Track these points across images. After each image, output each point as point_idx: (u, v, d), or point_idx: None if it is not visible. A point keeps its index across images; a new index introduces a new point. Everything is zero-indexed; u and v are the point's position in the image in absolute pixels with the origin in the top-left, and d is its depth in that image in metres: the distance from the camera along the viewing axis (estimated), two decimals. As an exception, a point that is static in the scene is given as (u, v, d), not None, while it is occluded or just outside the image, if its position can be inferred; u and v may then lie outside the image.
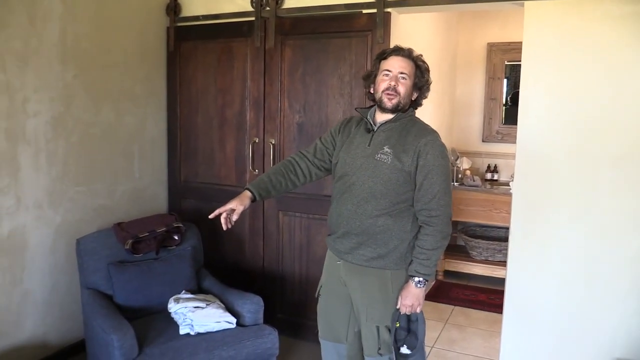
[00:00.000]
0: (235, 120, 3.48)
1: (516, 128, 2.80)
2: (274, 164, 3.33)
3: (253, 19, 3.31)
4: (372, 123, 2.16)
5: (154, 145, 3.65)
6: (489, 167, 4.75)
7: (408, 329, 2.14)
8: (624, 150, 2.58)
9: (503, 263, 3.80)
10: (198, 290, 2.93)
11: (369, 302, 2.14)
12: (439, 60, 4.25)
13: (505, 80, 4.76)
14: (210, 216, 2.19)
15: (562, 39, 2.64)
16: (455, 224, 4.98)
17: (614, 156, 2.60)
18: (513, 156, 2.83)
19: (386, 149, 2.07)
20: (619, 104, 2.57)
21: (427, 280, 2.06)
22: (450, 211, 2.08)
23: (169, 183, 3.78)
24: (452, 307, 4.09)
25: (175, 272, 2.87)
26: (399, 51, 2.11)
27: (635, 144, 2.56)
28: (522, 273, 2.87)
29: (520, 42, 2.74)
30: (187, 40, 3.58)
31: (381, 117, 2.14)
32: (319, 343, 2.40)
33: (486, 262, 4.52)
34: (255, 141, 3.41)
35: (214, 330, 2.56)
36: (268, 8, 3.25)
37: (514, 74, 4.68)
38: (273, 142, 3.34)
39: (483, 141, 4.90)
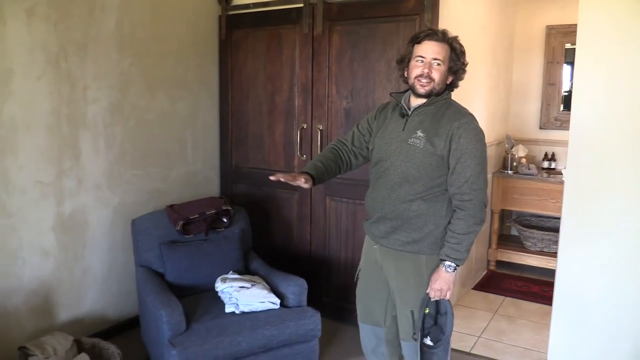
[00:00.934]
0: (284, 107, 3.54)
1: (576, 115, 2.69)
2: (321, 149, 3.37)
3: (301, 5, 3.34)
4: (406, 108, 2.14)
5: (206, 131, 3.77)
6: (546, 155, 4.58)
7: (435, 321, 2.13)
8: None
9: (557, 254, 3.67)
10: (245, 271, 3.02)
11: (404, 286, 2.15)
12: (493, 44, 4.13)
13: (565, 65, 4.56)
14: (272, 177, 2.16)
15: (619, 21, 2.51)
16: (509, 213, 4.85)
17: (675, 143, 2.46)
18: (571, 144, 2.72)
19: (419, 133, 2.04)
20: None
21: (457, 265, 2.04)
22: (484, 196, 2.03)
23: (220, 168, 3.89)
24: (502, 297, 4.00)
25: (223, 253, 2.96)
26: (432, 35, 2.04)
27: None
28: (572, 265, 2.77)
29: (583, 25, 2.62)
30: (238, 28, 3.66)
31: (415, 102, 2.11)
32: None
33: (541, 253, 4.38)
34: (303, 127, 3.45)
35: (258, 310, 2.64)
36: (316, -6, 3.27)
37: (574, 58, 4.46)
38: (321, 128, 3.37)
39: (540, 128, 4.72)
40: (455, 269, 2.05)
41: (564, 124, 4.54)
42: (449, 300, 2.11)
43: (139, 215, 3.08)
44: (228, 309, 2.63)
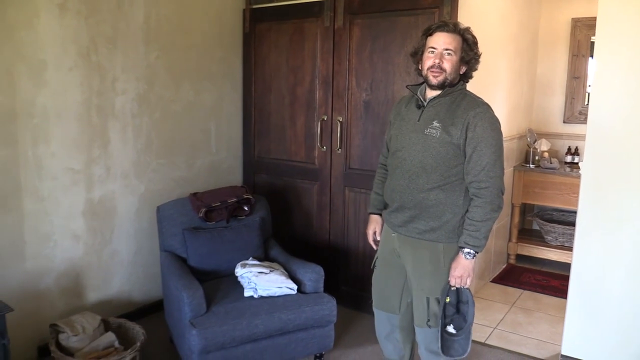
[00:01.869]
0: (305, 99, 3.61)
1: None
2: (341, 141, 3.44)
3: (323, -1, 3.40)
4: (422, 99, 2.19)
5: (230, 121, 3.87)
6: (569, 149, 4.55)
7: (457, 309, 2.18)
8: None
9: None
10: (265, 258, 3.11)
11: (420, 274, 2.21)
12: (516, 37, 4.11)
13: (590, 58, 4.51)
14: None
15: (638, 15, 2.50)
16: (530, 207, 4.84)
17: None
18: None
19: (435, 123, 2.10)
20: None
21: (476, 252, 2.09)
22: (501, 183, 2.07)
23: (243, 158, 3.99)
24: (521, 291, 4.01)
25: (243, 240, 3.06)
26: (443, 27, 2.09)
27: None
28: (588, 257, 2.78)
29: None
30: (262, 21, 3.74)
31: (431, 93, 2.16)
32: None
33: (562, 247, 4.36)
34: (323, 119, 3.52)
35: (276, 294, 2.73)
36: (337, -12, 3.32)
37: (600, 51, 4.41)
38: (340, 120, 3.43)
39: (564, 122, 4.68)
40: (475, 255, 2.10)
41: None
42: (469, 289, 2.16)
43: (163, 202, 3.20)
44: (247, 293, 2.73)
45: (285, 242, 3.51)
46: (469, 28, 2.14)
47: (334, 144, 3.49)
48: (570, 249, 4.27)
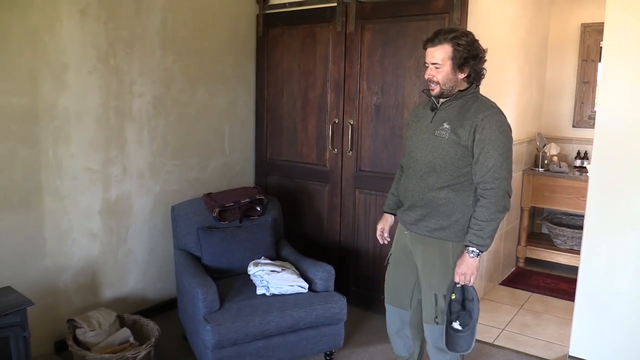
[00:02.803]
0: (317, 102, 3.68)
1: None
2: (352, 143, 3.50)
3: (335, 4, 3.47)
4: (435, 102, 2.26)
5: (243, 124, 3.95)
6: (578, 153, 4.58)
7: (463, 306, 2.23)
8: None
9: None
10: (276, 257, 3.18)
11: (430, 271, 2.27)
12: (525, 42, 4.16)
13: (599, 63, 4.53)
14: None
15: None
16: (539, 211, 4.87)
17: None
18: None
19: (445, 125, 2.17)
20: None
21: (480, 251, 2.14)
22: (507, 185, 2.13)
23: (255, 160, 4.07)
24: (529, 293, 4.04)
25: (256, 239, 3.13)
26: (428, 42, 2.16)
27: None
28: (596, 258, 2.82)
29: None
30: (275, 26, 3.82)
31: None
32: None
33: (571, 251, 4.39)
34: (335, 121, 3.58)
35: (287, 292, 2.79)
36: (349, -6, 3.39)
37: (610, 56, 4.44)
38: (351, 123, 3.50)
39: (574, 126, 4.71)
40: (479, 254, 2.15)
41: (597, 123, 4.52)
42: (473, 287, 2.21)
43: (178, 202, 3.28)
44: (259, 291, 2.79)
45: (297, 243, 3.57)
46: (464, 32, 2.15)
47: (345, 146, 3.55)
48: (579, 252, 4.29)
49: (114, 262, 3.20)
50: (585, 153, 4.53)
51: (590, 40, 4.53)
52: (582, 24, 4.55)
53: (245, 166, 4.02)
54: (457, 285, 2.20)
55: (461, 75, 2.16)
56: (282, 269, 2.89)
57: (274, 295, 2.77)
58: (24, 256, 2.76)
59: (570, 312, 3.11)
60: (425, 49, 2.18)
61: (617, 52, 2.66)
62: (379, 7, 3.32)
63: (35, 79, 2.70)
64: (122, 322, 2.94)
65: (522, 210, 4.49)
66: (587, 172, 4.32)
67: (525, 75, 4.25)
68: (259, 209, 3.27)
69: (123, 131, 3.14)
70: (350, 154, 3.54)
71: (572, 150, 4.69)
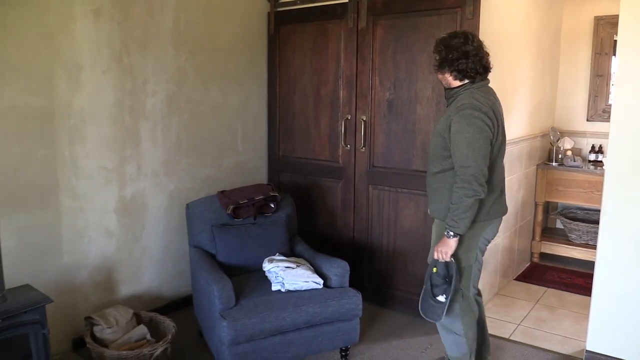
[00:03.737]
0: (329, 99, 3.68)
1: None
2: (365, 139, 3.51)
3: (346, 0, 3.46)
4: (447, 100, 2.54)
5: (256, 122, 3.96)
6: (593, 147, 4.53)
7: (449, 282, 2.42)
8: None
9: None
10: (291, 254, 3.18)
11: (431, 245, 2.57)
12: (538, 36, 4.12)
13: (613, 56, 4.49)
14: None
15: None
16: (554, 205, 4.83)
17: None
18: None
19: (440, 119, 2.46)
20: None
21: (454, 233, 2.34)
22: (475, 172, 2.27)
23: (268, 157, 4.08)
24: (544, 288, 4.01)
25: (270, 236, 3.14)
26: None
27: None
28: (612, 253, 2.79)
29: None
30: (286, 24, 3.83)
31: None
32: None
33: (586, 245, 4.35)
34: (347, 118, 3.58)
35: (303, 289, 2.80)
36: (360, -10, 3.39)
37: (624, 49, 4.39)
38: (364, 119, 3.49)
39: (588, 120, 4.67)
40: (451, 236, 2.35)
41: (612, 116, 4.48)
42: (454, 263, 2.41)
43: (192, 200, 3.30)
44: (274, 287, 2.80)
45: (310, 239, 3.57)
46: (441, 38, 2.40)
47: (357, 142, 3.55)
48: (594, 247, 4.25)
49: (129, 260, 3.23)
50: (600, 147, 4.49)
51: (604, 33, 4.49)
52: (595, 16, 4.51)
53: (259, 163, 4.03)
54: (440, 261, 2.41)
55: (448, 75, 2.39)
56: (297, 265, 2.90)
57: (289, 291, 2.78)
58: (41, 254, 2.79)
59: (586, 306, 3.10)
60: None
61: (632, 45, 2.63)
62: (391, 2, 3.32)
63: (51, 79, 2.73)
64: (138, 320, 2.97)
65: (536, 205, 4.46)
66: (602, 166, 4.28)
67: (537, 70, 4.22)
68: (272, 205, 3.28)
69: (137, 130, 3.17)
70: (363, 150, 3.54)
71: (586, 144, 4.65)
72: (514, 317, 3.51)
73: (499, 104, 2.47)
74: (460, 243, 2.39)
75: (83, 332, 2.82)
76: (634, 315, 2.75)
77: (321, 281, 2.84)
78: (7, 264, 2.34)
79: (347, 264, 2.95)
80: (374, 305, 3.52)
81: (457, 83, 2.38)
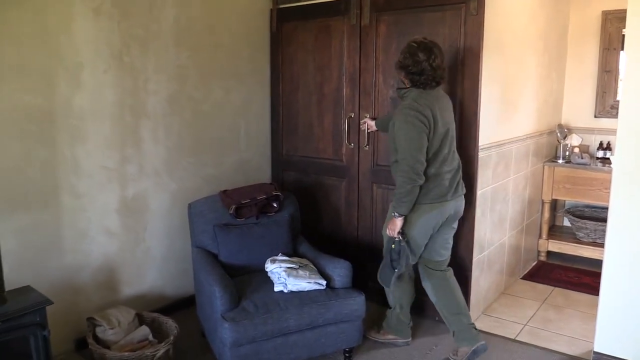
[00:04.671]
0: (332, 96, 3.64)
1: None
2: (368, 138, 3.46)
3: (349, -3, 3.42)
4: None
5: (258, 120, 3.93)
6: (601, 144, 4.47)
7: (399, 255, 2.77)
8: None
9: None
10: (294, 254, 3.15)
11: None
12: (544, 32, 4.06)
13: (622, 52, 4.42)
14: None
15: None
16: (561, 203, 4.78)
17: None
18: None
19: None
20: None
21: (397, 214, 2.67)
22: (411, 162, 2.58)
23: (271, 156, 4.05)
24: (552, 288, 3.96)
25: (273, 236, 3.11)
26: None
27: None
28: (620, 252, 2.74)
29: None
30: (288, 20, 3.79)
31: None
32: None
33: (594, 244, 4.29)
34: (351, 116, 3.54)
35: (305, 289, 2.76)
36: (363, -14, 3.34)
37: (632, 44, 4.32)
38: (368, 117, 3.45)
39: (595, 117, 4.60)
40: (398, 216, 2.68)
41: (620, 112, 4.41)
42: (402, 242, 2.73)
43: (194, 199, 3.27)
44: (277, 288, 2.77)
45: (314, 239, 3.53)
46: (410, 45, 2.68)
47: (361, 140, 3.51)
48: (602, 245, 4.19)
49: (132, 260, 3.21)
50: (608, 144, 4.43)
51: (612, 28, 4.42)
52: (603, 11, 4.44)
53: (261, 162, 4.00)
54: (395, 239, 2.71)
55: (402, 77, 2.74)
56: (300, 266, 2.87)
57: (291, 292, 2.75)
58: (42, 255, 2.77)
59: (594, 306, 3.06)
60: None
61: (639, 42, 2.58)
62: None
63: (51, 79, 2.70)
64: (141, 320, 2.95)
65: (542, 203, 4.41)
66: (610, 163, 4.22)
67: (544, 66, 4.16)
68: (275, 205, 3.25)
69: (138, 129, 3.14)
70: (367, 148, 3.49)
71: (594, 141, 4.59)
72: (521, 317, 3.47)
73: (447, 101, 2.79)
74: (406, 222, 2.71)
75: (85, 332, 2.81)
76: (642, 316, 2.70)
77: (324, 282, 2.81)
78: (7, 265, 2.33)
79: (350, 264, 2.92)
80: (377, 304, 3.48)
81: (407, 85, 2.71)
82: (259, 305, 2.63)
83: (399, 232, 2.72)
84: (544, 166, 4.34)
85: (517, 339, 3.18)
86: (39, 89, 2.66)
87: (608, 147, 4.42)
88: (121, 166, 3.08)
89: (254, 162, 3.93)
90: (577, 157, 4.29)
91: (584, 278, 4.12)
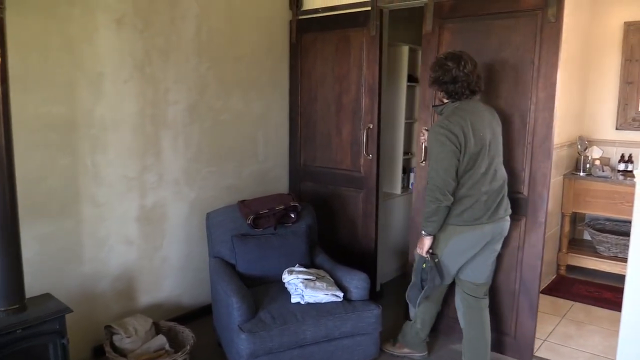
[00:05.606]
0: (351, 107, 3.64)
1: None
2: (425, 152, 3.37)
3: (369, 9, 3.42)
4: None
5: (277, 131, 3.94)
6: (622, 156, 4.40)
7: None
8: None
9: (631, 259, 3.54)
10: (311, 265, 3.15)
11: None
12: (565, 43, 4.01)
13: (645, 63, 4.36)
14: None
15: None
16: (581, 216, 4.71)
17: None
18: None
19: None
20: None
21: (424, 232, 2.61)
22: (438, 182, 2.50)
23: (290, 166, 4.05)
24: (571, 302, 3.90)
25: (290, 246, 3.11)
26: None
27: None
28: (645, 268, 2.68)
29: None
30: (308, 32, 3.80)
31: None
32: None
33: (615, 258, 4.22)
34: (369, 127, 3.53)
35: (322, 301, 2.75)
36: (383, -3, 3.33)
37: (655, 56, 4.26)
38: (426, 130, 3.40)
39: (617, 129, 4.54)
40: (425, 235, 2.61)
41: (643, 125, 4.36)
42: (431, 260, 2.64)
43: (213, 209, 3.28)
44: (294, 299, 2.76)
45: (331, 250, 3.52)
46: (439, 58, 2.64)
47: (380, 152, 3.50)
48: (623, 259, 4.14)
49: (150, 269, 3.22)
50: (630, 156, 4.36)
51: (634, 39, 4.36)
52: (625, 22, 4.39)
53: (280, 172, 4.01)
54: (426, 258, 2.64)
55: (437, 93, 2.72)
56: (317, 277, 2.86)
57: (308, 304, 2.74)
58: (62, 263, 2.80)
59: (616, 322, 2.99)
60: None
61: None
62: (460, 4, 3.05)
63: (74, 88, 2.74)
64: (157, 329, 2.95)
65: (562, 216, 4.35)
66: (632, 176, 4.15)
67: (565, 77, 4.11)
68: (293, 216, 3.25)
69: (158, 139, 3.17)
70: (423, 164, 3.42)
71: (615, 153, 4.52)
72: (540, 332, 3.41)
73: (488, 114, 2.65)
74: (435, 241, 2.64)
75: (103, 340, 2.82)
76: (667, 334, 2.63)
77: (341, 294, 2.80)
78: (28, 273, 2.35)
79: (367, 276, 2.90)
80: (394, 316, 3.45)
81: (444, 100, 2.66)
82: (275, 316, 2.62)
83: (428, 252, 2.64)
84: (564, 178, 4.29)
85: (537, 354, 3.12)
86: (62, 99, 2.70)
87: (630, 160, 4.35)
88: (141, 175, 3.10)
89: (272, 172, 3.94)
90: (598, 169, 4.23)
91: (605, 293, 4.05)
